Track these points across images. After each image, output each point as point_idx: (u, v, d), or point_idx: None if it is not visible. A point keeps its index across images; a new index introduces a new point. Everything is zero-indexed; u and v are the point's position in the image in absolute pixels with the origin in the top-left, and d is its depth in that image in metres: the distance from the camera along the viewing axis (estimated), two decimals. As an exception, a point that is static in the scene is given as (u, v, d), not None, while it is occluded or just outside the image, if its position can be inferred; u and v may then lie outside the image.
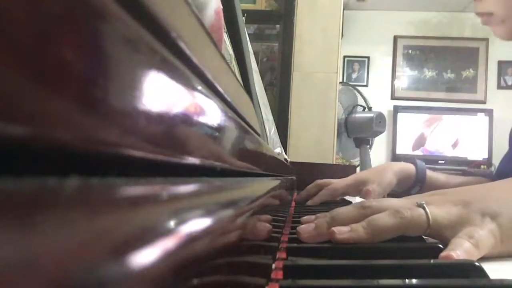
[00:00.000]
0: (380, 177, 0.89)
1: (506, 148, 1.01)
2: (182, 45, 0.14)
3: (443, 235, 0.43)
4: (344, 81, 3.56)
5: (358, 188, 0.90)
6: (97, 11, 0.08)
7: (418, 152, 3.74)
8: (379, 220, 0.43)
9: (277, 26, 2.14)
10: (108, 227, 0.08)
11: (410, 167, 0.92)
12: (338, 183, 0.92)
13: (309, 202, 0.91)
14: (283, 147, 1.56)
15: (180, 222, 0.11)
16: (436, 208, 0.45)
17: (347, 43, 3.58)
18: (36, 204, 0.07)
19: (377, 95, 3.68)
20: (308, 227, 0.46)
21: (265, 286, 0.30)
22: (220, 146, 0.20)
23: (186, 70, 0.15)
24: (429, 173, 0.93)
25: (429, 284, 0.32)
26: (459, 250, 0.39)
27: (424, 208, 0.44)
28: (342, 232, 0.43)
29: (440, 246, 0.41)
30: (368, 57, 3.89)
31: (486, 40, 3.74)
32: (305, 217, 0.52)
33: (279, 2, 2.13)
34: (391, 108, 3.79)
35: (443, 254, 0.38)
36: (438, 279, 0.33)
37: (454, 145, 3.73)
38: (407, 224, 0.43)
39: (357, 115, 2.37)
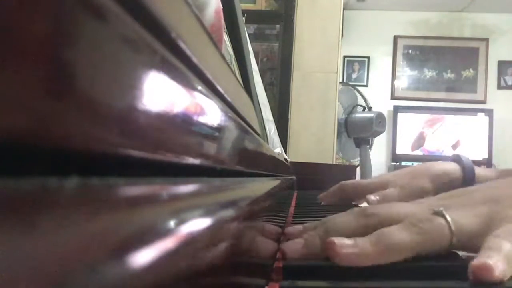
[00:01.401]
0: (408, 180, 0.69)
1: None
2: (182, 45, 0.14)
3: (472, 245, 0.35)
4: (344, 81, 3.56)
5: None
6: (97, 11, 0.08)
7: (418, 152, 3.74)
8: (392, 235, 0.34)
9: (277, 26, 2.14)
10: (108, 227, 0.08)
11: (453, 167, 0.69)
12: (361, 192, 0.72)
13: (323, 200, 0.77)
14: (283, 147, 1.56)
15: (180, 222, 0.11)
16: (458, 213, 0.36)
17: (347, 43, 3.58)
18: (36, 204, 0.07)
19: (377, 95, 3.68)
20: (295, 244, 0.37)
21: (265, 286, 0.30)
22: (220, 146, 0.20)
23: (186, 70, 0.15)
24: (478, 171, 0.69)
25: (429, 286, 0.32)
26: (496, 255, 0.30)
27: (443, 216, 0.35)
28: (344, 245, 0.33)
29: (457, 253, 0.35)
30: (368, 57, 3.89)
31: (486, 40, 3.74)
32: (289, 228, 0.42)
33: (279, 2, 2.13)
34: (391, 108, 3.79)
35: (475, 262, 0.30)
36: (438, 281, 0.33)
37: (455, 146, 3.73)
38: (427, 240, 0.34)
39: (357, 115, 2.37)
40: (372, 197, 0.66)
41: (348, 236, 0.35)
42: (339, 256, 0.32)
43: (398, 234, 0.34)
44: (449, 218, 0.35)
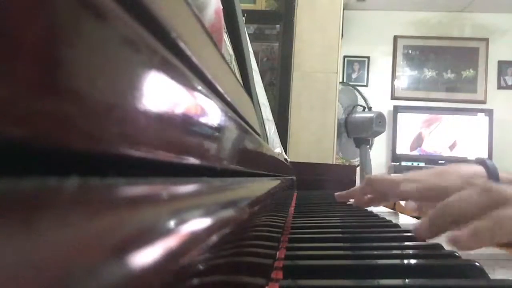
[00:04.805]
0: (436, 178, 0.70)
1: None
2: (182, 45, 0.14)
3: None
4: (344, 81, 3.56)
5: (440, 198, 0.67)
6: (97, 11, 0.08)
7: (416, 152, 3.74)
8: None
9: (277, 26, 2.14)
10: (108, 227, 0.08)
11: (478, 170, 0.72)
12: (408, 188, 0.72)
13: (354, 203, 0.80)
14: (283, 147, 1.56)
15: (180, 222, 0.11)
16: None
17: (347, 43, 3.58)
18: (36, 204, 0.07)
19: (377, 95, 3.68)
20: (463, 234, 0.39)
21: (265, 286, 0.30)
22: (220, 146, 0.20)
23: (186, 70, 0.15)
24: (502, 174, 0.71)
25: (429, 284, 0.32)
26: None
27: None
28: (461, 239, 0.37)
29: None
30: (368, 57, 3.89)
31: (486, 40, 3.74)
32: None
33: (279, 2, 2.13)
34: (391, 108, 3.79)
35: None
36: (438, 279, 0.33)
37: (452, 147, 3.72)
38: None
39: (357, 115, 2.37)
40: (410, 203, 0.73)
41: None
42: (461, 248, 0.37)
43: None
44: None
